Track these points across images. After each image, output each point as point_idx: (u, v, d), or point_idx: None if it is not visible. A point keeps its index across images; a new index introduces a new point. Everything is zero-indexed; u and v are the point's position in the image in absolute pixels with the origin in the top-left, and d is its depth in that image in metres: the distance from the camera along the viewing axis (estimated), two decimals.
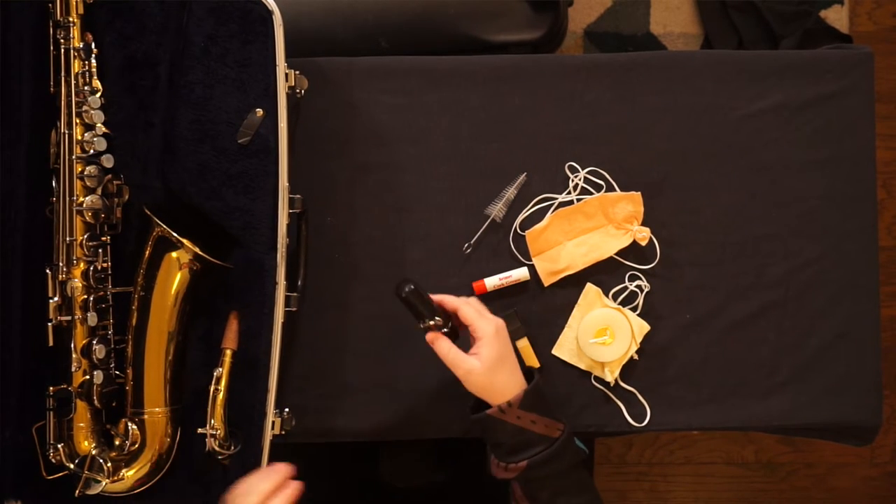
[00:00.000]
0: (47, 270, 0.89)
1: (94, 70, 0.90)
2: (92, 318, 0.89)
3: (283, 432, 0.93)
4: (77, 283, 0.89)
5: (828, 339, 1.01)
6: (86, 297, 0.90)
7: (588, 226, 1.00)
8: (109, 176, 0.92)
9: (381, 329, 1.00)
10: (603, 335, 0.98)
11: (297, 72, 0.93)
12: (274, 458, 0.91)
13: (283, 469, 0.84)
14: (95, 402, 0.90)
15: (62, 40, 0.89)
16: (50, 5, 0.89)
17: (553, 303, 1.01)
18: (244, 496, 0.82)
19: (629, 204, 1.00)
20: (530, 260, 1.00)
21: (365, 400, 1.00)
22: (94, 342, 0.90)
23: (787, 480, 1.68)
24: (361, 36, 1.13)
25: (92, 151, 0.89)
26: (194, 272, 0.91)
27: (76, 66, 0.89)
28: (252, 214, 0.92)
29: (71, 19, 0.89)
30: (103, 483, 0.90)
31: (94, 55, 0.90)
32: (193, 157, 0.92)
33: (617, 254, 1.00)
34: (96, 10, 0.91)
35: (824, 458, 1.67)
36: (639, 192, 1.00)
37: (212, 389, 0.91)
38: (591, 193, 1.01)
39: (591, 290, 1.00)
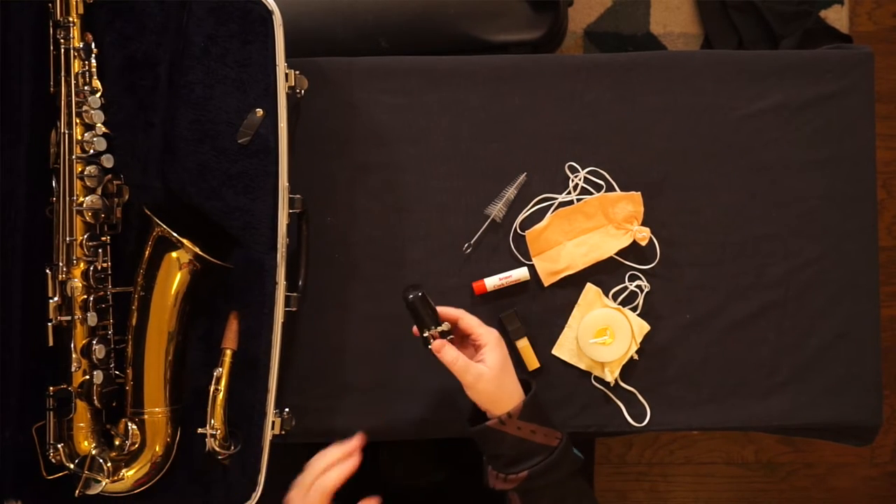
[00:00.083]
0: (47, 270, 0.89)
1: (94, 70, 0.90)
2: (92, 318, 0.89)
3: (283, 432, 0.93)
4: (77, 283, 0.89)
5: (828, 339, 1.01)
6: (86, 297, 0.90)
7: (588, 226, 1.00)
8: (109, 176, 0.92)
9: (381, 329, 1.00)
10: (603, 335, 0.98)
11: (297, 72, 0.93)
12: (274, 458, 0.91)
13: (354, 443, 0.86)
14: (95, 402, 0.90)
15: (62, 40, 0.89)
16: (50, 5, 0.89)
17: (553, 303, 1.01)
18: (319, 458, 0.85)
19: (629, 204, 1.00)
20: (530, 260, 1.00)
21: (365, 400, 1.00)
22: (94, 342, 0.90)
23: (787, 480, 1.68)
24: (361, 36, 1.13)
25: (92, 151, 0.89)
26: (194, 272, 0.91)
27: (76, 66, 0.89)
28: (252, 214, 0.92)
29: (71, 19, 0.89)
30: (103, 483, 0.89)
31: (94, 55, 0.90)
32: (193, 157, 0.92)
33: (617, 254, 1.00)
34: (96, 10, 0.91)
35: (824, 458, 1.67)
36: (639, 192, 1.00)
37: (212, 389, 0.91)
38: (591, 193, 1.01)
39: (591, 290, 1.00)
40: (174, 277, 0.91)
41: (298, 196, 0.93)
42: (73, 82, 0.89)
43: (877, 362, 1.01)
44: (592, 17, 1.57)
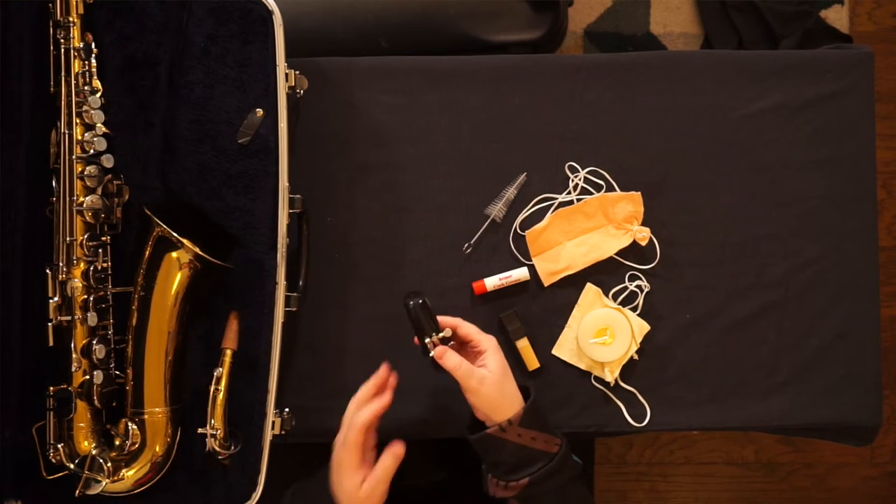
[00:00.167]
0: (47, 270, 0.89)
1: (94, 70, 0.90)
2: (92, 318, 0.89)
3: (283, 432, 0.93)
4: (77, 283, 0.89)
5: (828, 339, 1.01)
6: (86, 297, 0.90)
7: (588, 226, 1.00)
8: (109, 176, 0.92)
9: (381, 329, 1.00)
10: (603, 335, 0.98)
11: (297, 72, 0.93)
12: (274, 459, 0.91)
13: (382, 374, 0.88)
14: (95, 402, 0.90)
15: (62, 40, 0.89)
16: (50, 5, 0.89)
17: (553, 303, 1.01)
18: (354, 398, 0.87)
19: (629, 204, 1.00)
20: (530, 260, 1.00)
21: None
22: (94, 342, 0.90)
23: (787, 480, 1.68)
24: (361, 36, 1.13)
25: (92, 151, 0.89)
26: (194, 272, 0.91)
27: (76, 66, 0.89)
28: (252, 214, 0.92)
29: (71, 19, 0.89)
30: (103, 483, 0.89)
31: (94, 55, 0.90)
32: (193, 157, 0.92)
33: (617, 254, 1.00)
34: (96, 10, 0.91)
35: (824, 458, 1.67)
36: (639, 192, 1.00)
37: (212, 389, 0.91)
38: (591, 193, 1.01)
39: (591, 290, 1.00)
40: (174, 277, 0.91)
41: (298, 196, 0.93)
42: (73, 82, 0.89)
43: (877, 362, 1.01)
44: (592, 17, 1.58)
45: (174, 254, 0.91)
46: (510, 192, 1.00)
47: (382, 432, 0.99)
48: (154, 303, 0.91)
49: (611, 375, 0.99)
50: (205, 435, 0.91)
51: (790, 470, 1.67)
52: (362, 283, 1.00)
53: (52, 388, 0.90)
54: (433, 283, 1.00)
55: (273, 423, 0.91)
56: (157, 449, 0.92)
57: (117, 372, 0.93)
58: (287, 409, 0.94)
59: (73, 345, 0.89)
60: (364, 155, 1.01)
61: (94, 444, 0.91)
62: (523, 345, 0.99)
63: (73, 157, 0.89)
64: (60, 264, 0.89)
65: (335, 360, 1.00)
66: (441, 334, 0.86)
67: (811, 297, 1.01)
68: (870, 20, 1.62)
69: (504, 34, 1.15)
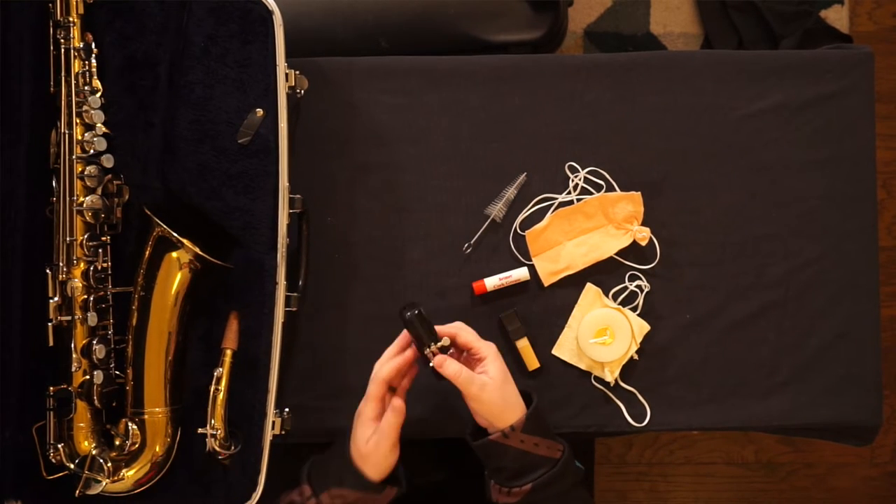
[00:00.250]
0: (47, 270, 0.89)
1: (94, 70, 0.90)
2: (92, 318, 0.89)
3: (283, 432, 0.93)
4: (77, 283, 0.89)
5: (828, 339, 1.01)
6: (86, 297, 0.90)
7: (588, 226, 1.00)
8: (109, 176, 0.92)
9: (381, 329, 0.99)
10: (603, 335, 0.98)
11: (297, 72, 0.93)
12: (274, 458, 0.91)
13: (404, 337, 0.89)
14: (95, 402, 0.90)
15: (62, 40, 0.89)
16: (50, 5, 0.89)
17: (553, 303, 1.01)
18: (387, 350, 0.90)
19: (629, 204, 1.00)
20: (530, 260, 1.00)
21: None
22: (94, 342, 0.90)
23: (787, 480, 1.68)
24: (361, 36, 1.13)
25: (92, 151, 0.89)
26: (194, 272, 0.91)
27: (76, 66, 0.89)
28: (252, 214, 0.92)
29: (71, 19, 0.89)
30: (103, 483, 0.89)
31: (94, 55, 0.90)
32: (193, 157, 0.92)
33: (617, 254, 1.00)
34: (96, 10, 0.91)
35: (824, 458, 1.67)
36: (639, 192, 1.00)
37: (212, 389, 0.91)
38: (591, 193, 1.01)
39: (591, 290, 1.00)
40: (174, 277, 0.91)
41: (298, 196, 0.93)
42: (73, 82, 0.89)
43: (877, 362, 1.01)
44: (592, 17, 1.57)
45: (174, 254, 0.91)
46: (510, 192, 1.00)
47: None
48: (154, 303, 0.91)
49: (611, 375, 0.99)
50: (205, 435, 0.91)
51: (790, 470, 1.67)
52: (362, 283, 1.00)
53: (52, 388, 0.90)
54: (433, 283, 1.00)
55: (273, 423, 0.91)
56: (158, 449, 0.92)
57: (117, 372, 0.93)
58: (287, 409, 0.94)
59: (73, 345, 0.89)
60: (364, 155, 1.01)
61: (94, 444, 0.91)
62: (523, 345, 0.99)
63: (73, 157, 0.89)
64: (60, 264, 0.89)
65: (335, 360, 1.00)
66: (439, 343, 0.86)
67: (811, 297, 1.01)
68: (870, 20, 1.62)
69: (504, 34, 1.15)
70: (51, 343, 0.89)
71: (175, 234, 0.89)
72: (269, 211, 0.92)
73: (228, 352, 0.92)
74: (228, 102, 0.92)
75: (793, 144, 1.01)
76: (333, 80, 1.00)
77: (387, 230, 1.00)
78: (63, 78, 0.89)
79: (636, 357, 0.99)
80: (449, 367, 0.85)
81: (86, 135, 0.89)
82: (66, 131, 0.89)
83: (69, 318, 0.89)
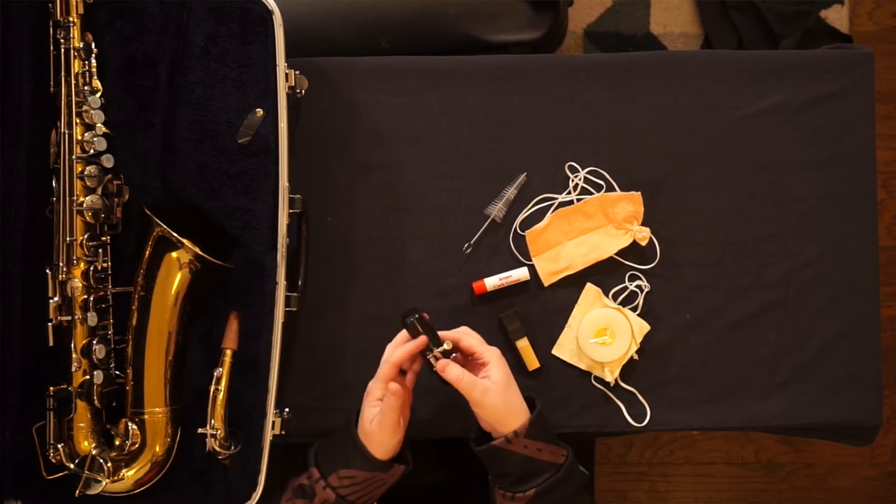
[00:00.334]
0: (47, 270, 0.89)
1: (94, 70, 0.90)
2: (92, 318, 0.89)
3: (283, 432, 0.93)
4: (77, 283, 0.89)
5: (828, 339, 1.01)
6: (86, 297, 0.90)
7: (588, 226, 1.00)
8: (109, 176, 0.92)
9: (381, 329, 0.99)
10: (603, 335, 0.98)
11: (297, 72, 0.93)
12: (274, 458, 0.91)
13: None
14: (95, 402, 0.90)
15: (62, 40, 0.89)
16: (50, 5, 0.89)
17: (553, 303, 1.01)
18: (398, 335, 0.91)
19: (629, 204, 1.00)
20: (530, 260, 1.00)
21: None
22: (94, 342, 0.90)
23: (787, 480, 1.67)
24: (361, 36, 1.13)
25: (92, 151, 0.89)
26: (194, 272, 0.91)
27: (76, 66, 0.89)
28: (252, 214, 0.92)
29: (71, 19, 0.89)
30: (103, 483, 0.89)
31: (94, 55, 0.90)
32: (193, 157, 0.92)
33: (617, 254, 1.00)
34: (96, 10, 0.91)
35: (824, 458, 1.67)
36: (639, 192, 1.00)
37: (212, 389, 0.91)
38: (591, 193, 1.01)
39: (591, 290, 1.00)
40: (174, 277, 0.91)
41: (298, 196, 0.93)
42: (73, 82, 0.89)
43: (877, 362, 1.01)
44: (592, 17, 1.57)
45: (174, 254, 0.91)
46: (510, 192, 1.00)
47: None
48: (154, 303, 0.91)
49: (611, 375, 0.99)
50: (205, 435, 0.91)
51: (790, 470, 1.67)
52: (362, 283, 1.00)
53: (52, 388, 0.90)
54: (433, 283, 1.00)
55: (273, 423, 0.91)
56: (157, 449, 0.92)
57: (117, 372, 0.93)
58: (287, 409, 0.94)
59: (73, 345, 0.89)
60: (364, 155, 1.01)
61: (94, 444, 0.91)
62: (523, 345, 0.99)
63: (73, 157, 0.89)
64: (60, 264, 0.89)
65: (335, 360, 1.00)
66: (442, 348, 0.86)
67: (811, 297, 1.01)
68: (870, 20, 1.62)
69: (504, 34, 1.15)
70: (51, 343, 0.89)
71: (175, 234, 0.89)
72: (269, 211, 0.92)
73: (228, 352, 0.92)
74: (228, 102, 0.92)
75: (793, 144, 1.01)
76: (333, 80, 1.00)
77: (387, 230, 1.00)
78: (63, 78, 0.89)
79: (636, 357, 0.99)
80: (451, 371, 0.85)
81: (86, 135, 0.89)
82: (66, 131, 0.89)
83: (69, 318, 0.89)
